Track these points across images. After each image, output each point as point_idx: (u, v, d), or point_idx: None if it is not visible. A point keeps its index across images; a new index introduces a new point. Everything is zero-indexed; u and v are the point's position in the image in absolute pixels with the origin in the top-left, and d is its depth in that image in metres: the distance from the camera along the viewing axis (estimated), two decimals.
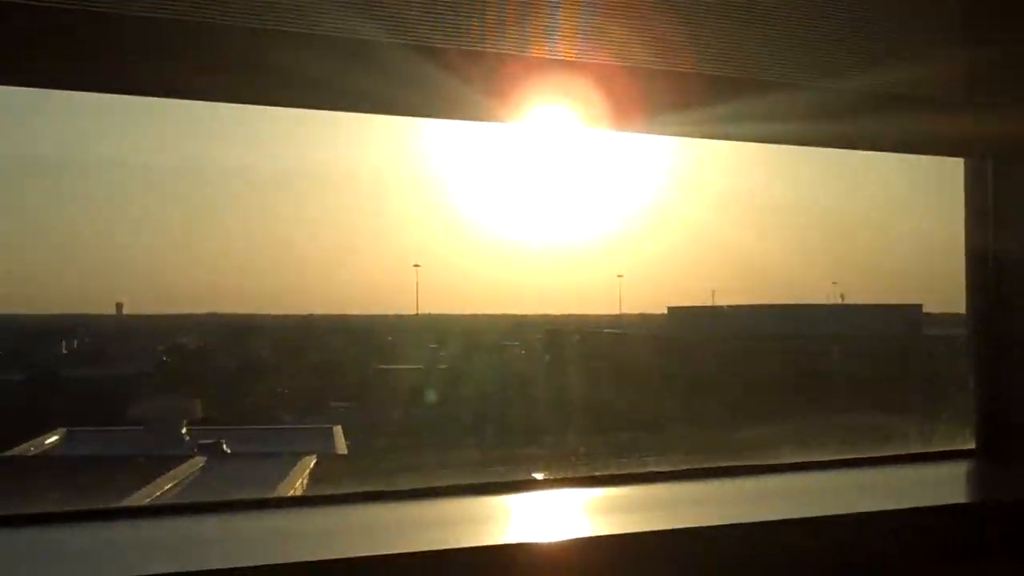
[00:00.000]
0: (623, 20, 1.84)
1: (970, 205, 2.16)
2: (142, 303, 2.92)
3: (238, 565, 1.38)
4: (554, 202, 2.97)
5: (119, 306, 2.95)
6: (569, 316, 3.16)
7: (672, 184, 3.06)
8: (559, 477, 1.82)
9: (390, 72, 1.63)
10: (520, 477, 1.82)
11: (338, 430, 2.94)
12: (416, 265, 2.96)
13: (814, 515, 1.74)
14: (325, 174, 2.88)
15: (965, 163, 2.18)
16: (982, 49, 2.09)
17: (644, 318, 3.26)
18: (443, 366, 3.05)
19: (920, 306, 3.34)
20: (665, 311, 3.26)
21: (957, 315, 2.87)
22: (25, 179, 2.79)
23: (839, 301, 3.26)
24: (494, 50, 1.72)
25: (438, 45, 1.67)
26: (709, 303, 3.21)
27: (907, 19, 2.07)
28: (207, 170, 2.90)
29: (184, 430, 2.83)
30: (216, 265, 2.91)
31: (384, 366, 3.04)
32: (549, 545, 1.51)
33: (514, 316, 3.14)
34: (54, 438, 2.88)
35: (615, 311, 3.15)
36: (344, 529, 1.62)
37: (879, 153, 2.29)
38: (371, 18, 1.64)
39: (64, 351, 3.00)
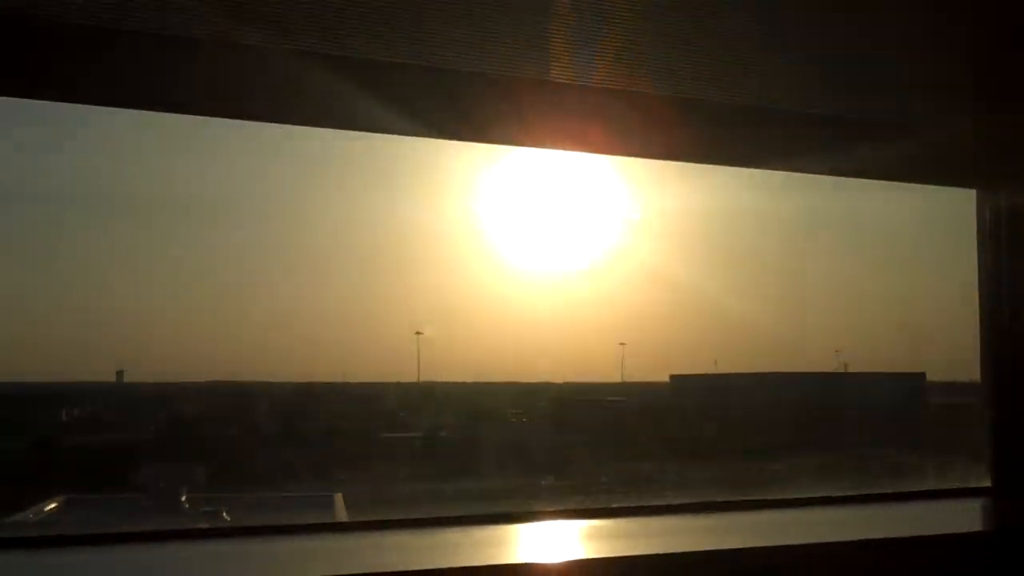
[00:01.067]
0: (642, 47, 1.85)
1: (981, 232, 2.17)
2: (143, 371, 2.92)
3: None
4: (556, 270, 2.98)
5: (120, 374, 2.94)
6: (572, 384, 3.15)
7: (673, 247, 3.07)
8: (559, 509, 1.90)
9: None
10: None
11: (339, 498, 2.92)
12: (418, 333, 2.95)
13: (821, 541, 1.78)
14: (324, 243, 2.89)
15: (976, 194, 2.19)
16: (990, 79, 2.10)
17: (647, 386, 3.25)
18: (444, 434, 3.03)
19: (923, 375, 3.33)
20: (667, 379, 3.25)
21: (961, 383, 2.87)
22: (25, 245, 2.79)
23: (842, 369, 3.26)
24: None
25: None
26: (712, 371, 3.21)
27: (912, 47, 2.08)
28: (206, 241, 2.91)
29: (184, 497, 2.81)
30: (217, 333, 2.91)
31: (386, 434, 3.02)
32: (544, 566, 1.61)
33: (517, 384, 3.13)
34: (53, 504, 2.86)
35: (617, 379, 3.15)
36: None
37: (887, 222, 2.30)
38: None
39: (65, 418, 2.98)
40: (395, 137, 2.41)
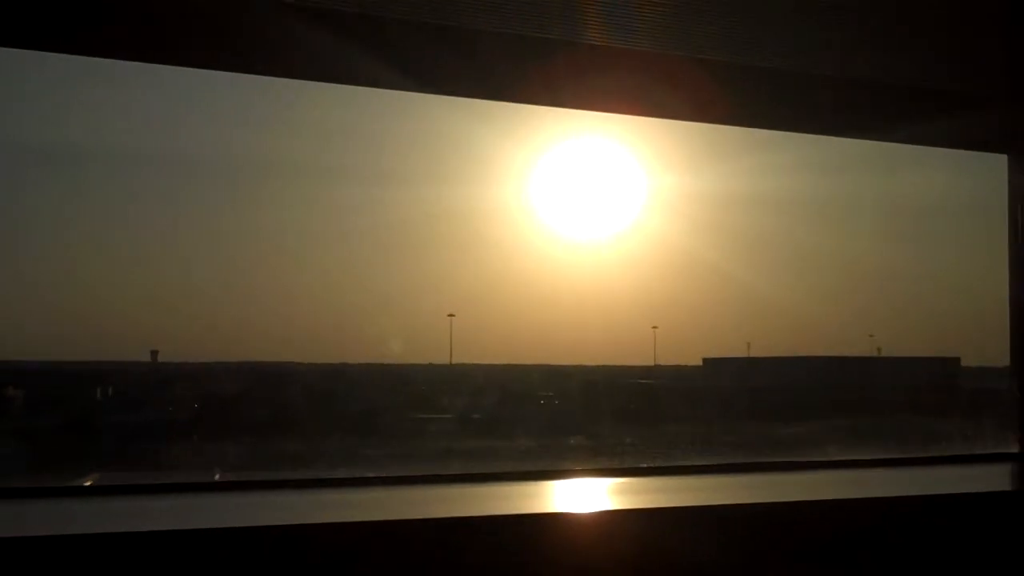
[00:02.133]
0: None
1: (1013, 200, 2.15)
2: (177, 351, 2.94)
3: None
4: (589, 252, 2.98)
5: (154, 353, 2.96)
6: (604, 367, 3.15)
7: (706, 230, 3.06)
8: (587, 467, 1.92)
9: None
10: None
11: None
12: (451, 315, 2.96)
13: (844, 497, 1.79)
14: (361, 226, 2.90)
15: (1008, 159, 2.17)
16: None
17: (679, 369, 3.25)
18: (477, 415, 3.03)
19: (958, 359, 3.31)
20: (700, 362, 3.24)
21: (995, 368, 2.84)
22: (65, 227, 2.82)
23: (876, 353, 3.24)
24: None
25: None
26: (745, 354, 3.20)
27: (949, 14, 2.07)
28: (243, 222, 2.93)
29: (217, 476, 2.82)
30: (251, 313, 2.93)
31: (418, 415, 3.03)
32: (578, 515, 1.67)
33: (549, 367, 3.13)
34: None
35: (650, 362, 3.15)
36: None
37: (920, 204, 2.29)
38: None
39: (99, 397, 3.01)
40: (429, 118, 2.43)
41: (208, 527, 1.57)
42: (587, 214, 2.90)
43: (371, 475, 1.97)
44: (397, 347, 2.81)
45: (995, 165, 2.22)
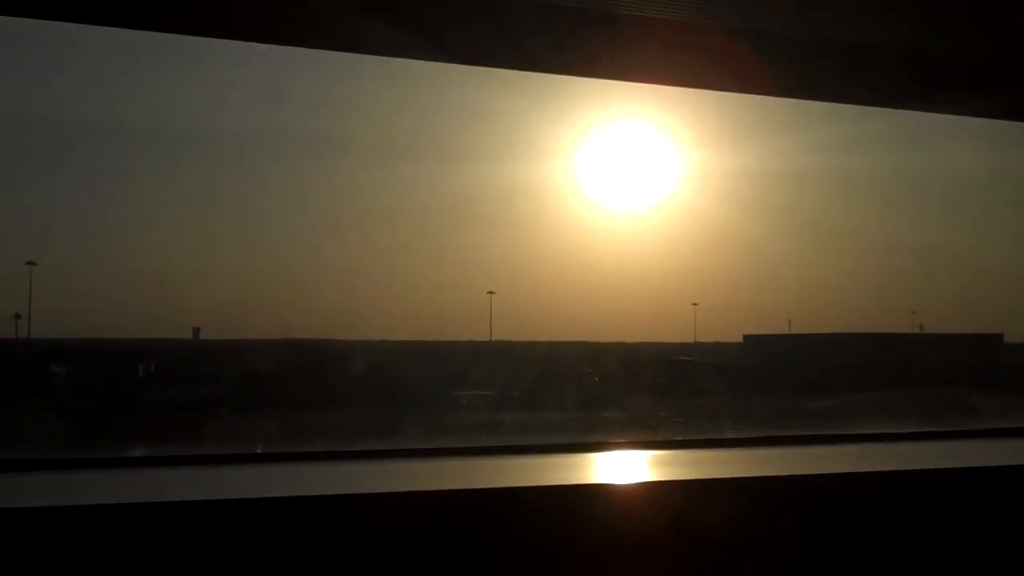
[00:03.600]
0: None
1: None
2: (219, 328, 2.96)
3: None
4: (629, 229, 2.97)
5: (196, 331, 2.99)
6: (644, 344, 3.14)
7: (747, 207, 3.05)
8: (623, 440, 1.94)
9: None
10: None
11: None
12: (491, 292, 2.96)
13: (879, 470, 1.78)
14: (400, 205, 2.91)
15: None
16: None
17: (719, 346, 3.24)
18: (516, 392, 3.03)
19: (1000, 335, 3.28)
20: (740, 339, 3.23)
21: None
22: (108, 206, 2.84)
23: (918, 330, 3.22)
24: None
25: None
26: (786, 331, 3.18)
27: None
28: (285, 199, 2.94)
29: (259, 449, 2.84)
30: (292, 291, 2.94)
31: (458, 392, 3.03)
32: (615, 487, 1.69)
33: (589, 344, 3.13)
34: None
35: (690, 339, 3.14)
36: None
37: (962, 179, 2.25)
38: None
39: (142, 374, 3.03)
40: (469, 97, 2.42)
41: (249, 497, 1.59)
42: (628, 190, 2.90)
43: (410, 447, 1.98)
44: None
45: None
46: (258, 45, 1.75)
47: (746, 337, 3.22)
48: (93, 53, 2.38)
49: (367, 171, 2.78)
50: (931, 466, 1.91)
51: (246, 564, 1.53)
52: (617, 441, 2.02)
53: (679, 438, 2.07)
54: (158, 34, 1.69)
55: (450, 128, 2.78)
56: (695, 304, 3.07)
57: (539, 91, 2.50)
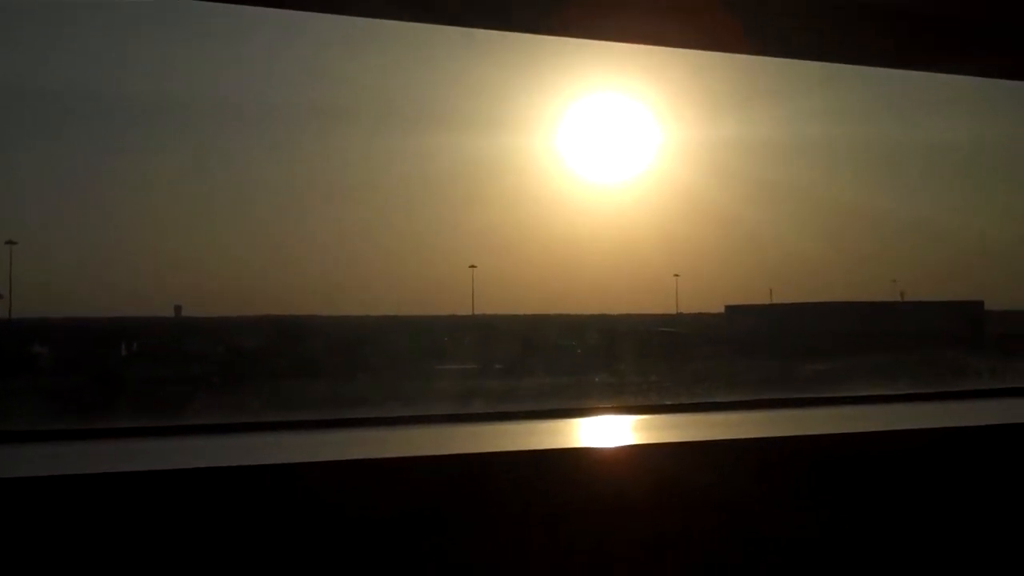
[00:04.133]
0: None
1: None
2: (200, 305, 2.95)
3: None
4: (609, 201, 2.98)
5: (178, 308, 2.98)
6: (626, 316, 3.15)
7: (725, 178, 3.05)
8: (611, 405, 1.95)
9: None
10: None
11: None
12: (472, 266, 2.96)
13: (868, 430, 1.79)
14: (380, 178, 2.90)
15: None
16: None
17: (701, 316, 3.25)
18: (499, 365, 3.04)
19: (981, 303, 3.29)
20: (722, 309, 3.24)
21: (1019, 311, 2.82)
22: (87, 181, 2.83)
23: (899, 298, 3.23)
24: None
25: None
26: (767, 301, 3.19)
27: None
28: (263, 173, 2.93)
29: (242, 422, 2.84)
30: (274, 267, 2.94)
31: (442, 365, 3.03)
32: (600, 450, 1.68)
33: (571, 316, 3.13)
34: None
35: (672, 310, 3.14)
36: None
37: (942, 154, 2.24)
38: None
39: (125, 353, 3.02)
40: (449, 66, 2.41)
41: (228, 465, 1.59)
42: (607, 164, 2.90)
43: (393, 415, 1.98)
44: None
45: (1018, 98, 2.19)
46: (220, 7, 1.73)
47: (728, 307, 3.23)
48: (69, 21, 2.36)
49: (343, 143, 2.77)
50: (926, 426, 1.91)
51: (225, 530, 1.52)
52: (603, 406, 2.03)
53: (669, 402, 2.07)
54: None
55: (429, 98, 2.77)
56: (677, 275, 3.08)
57: (520, 60, 2.50)
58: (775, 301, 3.18)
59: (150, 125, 2.70)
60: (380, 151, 2.79)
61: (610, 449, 1.73)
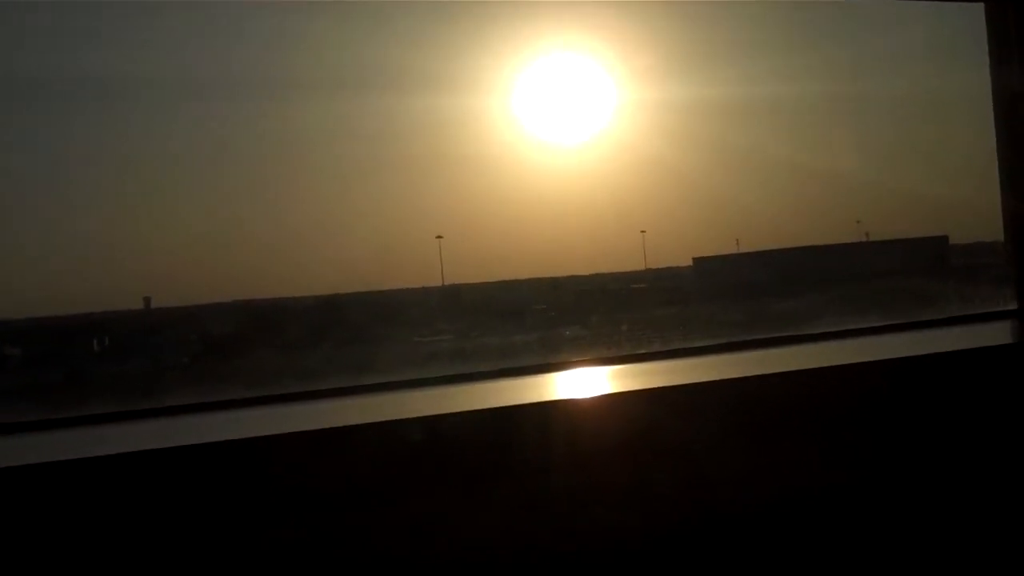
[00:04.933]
0: None
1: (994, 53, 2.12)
2: (169, 296, 2.94)
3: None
4: (569, 161, 2.98)
5: (147, 300, 2.96)
6: (596, 276, 3.16)
7: (683, 139, 3.07)
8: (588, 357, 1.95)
9: None
10: None
11: None
12: (439, 237, 2.96)
13: (842, 363, 1.80)
14: (339, 147, 2.89)
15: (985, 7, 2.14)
16: None
17: (670, 270, 3.26)
18: (475, 334, 3.04)
19: (946, 237, 3.32)
20: (691, 262, 3.26)
21: (983, 243, 2.84)
22: (48, 176, 2.80)
23: (864, 239, 3.25)
24: None
25: None
26: (734, 251, 3.21)
27: None
28: (215, 157, 2.91)
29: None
30: (241, 251, 2.92)
31: (416, 338, 3.03)
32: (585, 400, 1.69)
33: (542, 279, 3.14)
34: None
35: (640, 267, 3.15)
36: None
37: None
38: None
39: (97, 348, 3.00)
40: (406, 31, 2.40)
41: (205, 441, 1.59)
42: (568, 125, 2.91)
43: (369, 382, 1.98)
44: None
45: (972, 18, 2.20)
46: None
47: (696, 259, 3.25)
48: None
49: (293, 110, 2.75)
50: (899, 355, 1.93)
51: (208, 506, 1.52)
52: (577, 360, 2.03)
53: (643, 351, 2.08)
54: None
55: (381, 59, 2.76)
56: (643, 232, 3.09)
57: (476, 20, 2.49)
58: (742, 250, 3.20)
59: (102, 105, 2.67)
60: (336, 118, 2.78)
61: (590, 399, 1.74)
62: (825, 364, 1.91)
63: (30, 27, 2.40)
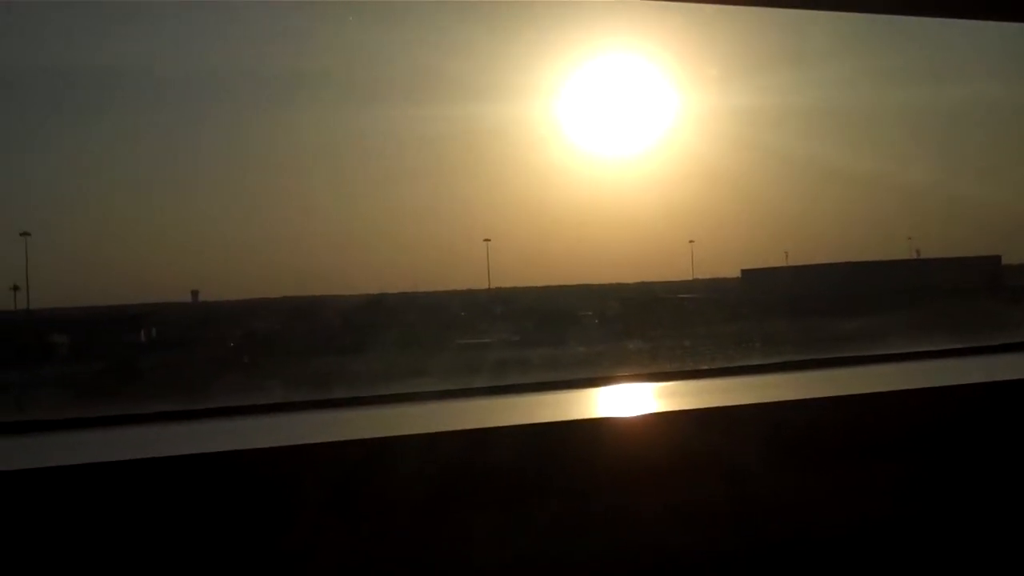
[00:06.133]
0: None
1: None
2: (218, 290, 2.95)
3: None
4: (621, 168, 2.97)
5: (195, 293, 2.98)
6: (643, 283, 3.14)
7: (736, 146, 3.04)
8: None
9: None
10: None
11: None
12: (486, 240, 2.96)
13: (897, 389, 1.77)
14: (384, 149, 2.89)
15: None
16: None
17: (718, 282, 3.24)
18: (516, 338, 3.03)
19: (999, 257, 3.28)
20: (738, 274, 3.23)
21: None
22: (99, 170, 2.82)
23: (915, 255, 3.22)
24: None
25: None
26: (783, 264, 3.18)
27: None
28: (273, 156, 2.92)
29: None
30: (290, 248, 2.93)
31: (460, 340, 3.03)
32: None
33: (588, 286, 3.13)
34: None
35: (688, 276, 3.14)
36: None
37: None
38: None
39: (143, 339, 3.03)
40: (457, 38, 2.39)
41: (250, 447, 1.58)
42: (617, 131, 2.89)
43: (416, 391, 1.97)
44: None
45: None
46: None
47: (744, 271, 3.22)
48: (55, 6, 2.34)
49: (344, 116, 2.75)
50: (965, 381, 1.88)
51: (241, 513, 1.52)
52: (622, 375, 2.01)
53: (706, 367, 2.05)
54: None
55: (427, 67, 2.75)
56: (692, 241, 3.07)
57: (520, 24, 2.48)
58: (791, 263, 3.17)
59: (153, 103, 2.68)
60: (380, 122, 2.78)
61: (637, 418, 1.72)
62: (878, 389, 1.88)
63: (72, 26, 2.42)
